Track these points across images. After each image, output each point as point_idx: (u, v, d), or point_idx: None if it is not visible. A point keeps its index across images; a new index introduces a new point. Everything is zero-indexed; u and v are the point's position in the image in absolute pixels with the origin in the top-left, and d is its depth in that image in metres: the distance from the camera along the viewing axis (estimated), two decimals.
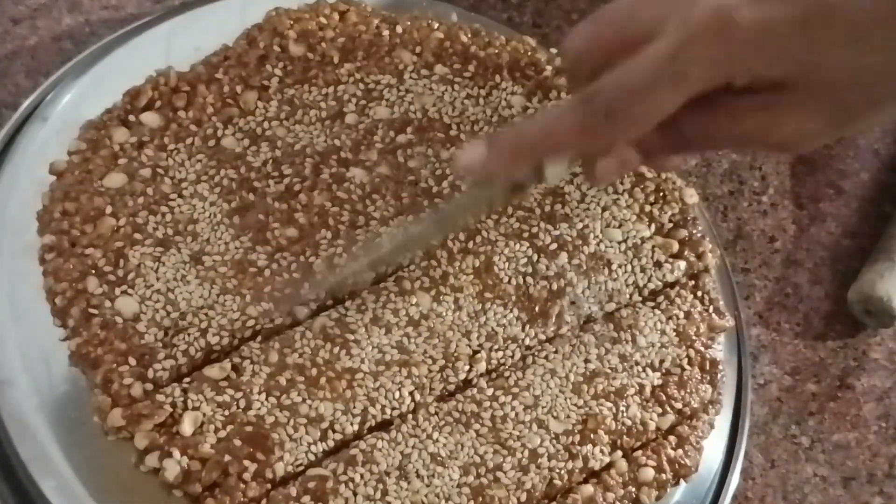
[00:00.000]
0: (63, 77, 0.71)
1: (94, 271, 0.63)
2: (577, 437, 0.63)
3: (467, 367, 0.64)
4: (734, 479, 0.69)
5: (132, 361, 0.61)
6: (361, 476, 0.60)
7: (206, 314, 0.62)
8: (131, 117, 0.67)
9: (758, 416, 0.74)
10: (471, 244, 0.67)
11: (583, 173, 0.69)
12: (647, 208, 0.71)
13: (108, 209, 0.64)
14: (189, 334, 0.62)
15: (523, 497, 0.61)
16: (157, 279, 0.63)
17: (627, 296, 0.68)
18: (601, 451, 0.63)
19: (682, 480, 0.65)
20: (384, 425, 0.62)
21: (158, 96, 0.68)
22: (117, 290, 0.62)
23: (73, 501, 0.59)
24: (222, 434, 0.59)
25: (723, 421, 0.68)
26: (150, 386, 0.60)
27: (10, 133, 0.69)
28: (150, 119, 0.68)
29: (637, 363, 0.66)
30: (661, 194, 0.71)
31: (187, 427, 0.59)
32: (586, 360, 0.66)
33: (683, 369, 0.67)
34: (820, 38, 0.50)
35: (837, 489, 0.73)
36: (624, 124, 0.53)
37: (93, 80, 0.70)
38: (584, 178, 0.70)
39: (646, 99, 0.52)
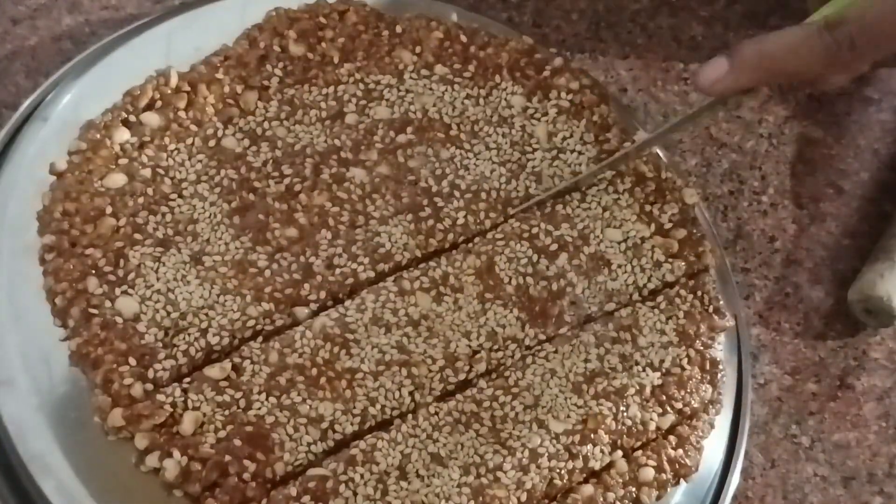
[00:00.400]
0: (63, 77, 0.71)
1: (94, 271, 0.63)
2: (578, 437, 0.63)
3: (467, 368, 0.64)
4: (734, 479, 0.69)
5: (132, 361, 0.61)
6: (361, 476, 0.60)
7: (206, 314, 0.62)
8: (131, 117, 0.67)
9: (758, 415, 0.74)
10: (472, 244, 0.67)
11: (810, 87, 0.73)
12: (648, 208, 0.71)
13: (109, 209, 0.64)
14: (189, 334, 0.62)
15: (523, 497, 0.61)
16: (158, 279, 0.63)
17: (627, 296, 0.68)
18: (601, 450, 0.63)
19: (682, 480, 0.65)
20: (384, 425, 0.62)
21: (159, 96, 0.68)
22: (117, 291, 0.62)
23: (74, 501, 0.59)
24: (222, 434, 0.59)
25: (723, 420, 0.68)
26: (150, 386, 0.60)
27: (10, 133, 0.69)
28: (151, 119, 0.68)
29: (637, 363, 0.66)
30: (662, 194, 0.71)
31: (187, 427, 0.60)
32: (586, 360, 0.66)
33: (683, 369, 0.67)
34: None
35: (837, 489, 0.73)
36: (866, 56, 0.58)
37: (93, 80, 0.70)
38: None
39: (886, 35, 0.56)
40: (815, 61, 0.60)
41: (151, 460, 0.59)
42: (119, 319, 0.62)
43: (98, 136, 0.66)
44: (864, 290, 0.77)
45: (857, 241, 0.82)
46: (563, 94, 0.73)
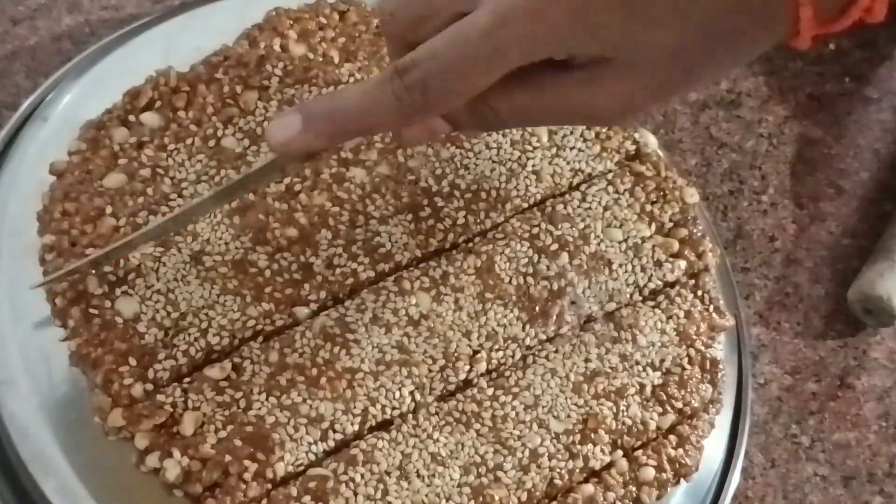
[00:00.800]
0: (63, 77, 0.71)
1: (94, 271, 0.63)
2: (578, 437, 0.63)
3: (468, 367, 0.64)
4: (735, 479, 0.69)
5: (132, 362, 0.61)
6: (362, 476, 0.60)
7: (206, 314, 0.62)
8: (131, 117, 0.67)
9: (758, 415, 0.74)
10: (472, 244, 0.67)
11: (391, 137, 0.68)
12: (648, 208, 0.71)
13: (109, 209, 0.64)
14: (189, 334, 0.62)
15: (524, 497, 0.61)
16: (158, 279, 0.63)
17: (628, 295, 0.68)
18: (602, 450, 0.63)
19: (682, 480, 0.65)
20: (384, 425, 0.62)
21: (158, 96, 0.68)
22: (118, 291, 0.62)
23: (74, 501, 0.59)
24: (223, 434, 0.59)
25: (723, 420, 0.69)
26: (150, 386, 0.60)
27: (10, 133, 0.69)
28: (150, 119, 0.68)
29: (637, 363, 0.66)
30: (662, 193, 0.71)
31: (188, 427, 0.59)
32: (587, 360, 0.66)
33: (684, 369, 0.67)
34: (638, 16, 0.49)
35: (838, 488, 0.73)
36: (438, 101, 0.52)
37: (93, 80, 0.70)
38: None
39: (462, 76, 0.51)
40: (386, 114, 0.53)
41: (151, 460, 0.59)
42: (119, 320, 0.62)
43: (98, 136, 0.66)
44: (864, 289, 0.77)
45: (857, 241, 0.82)
46: None
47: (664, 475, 0.64)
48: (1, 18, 0.77)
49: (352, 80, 0.71)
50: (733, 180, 0.81)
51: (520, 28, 0.50)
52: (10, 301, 0.63)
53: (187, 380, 0.61)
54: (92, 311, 0.62)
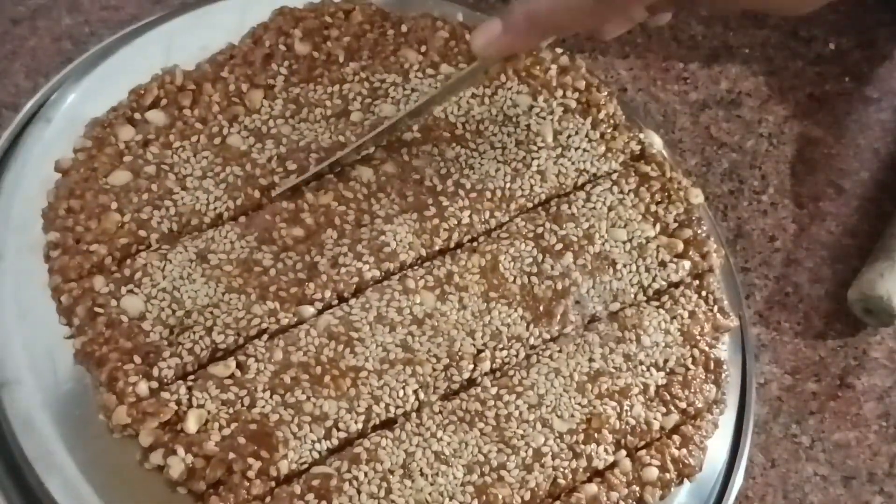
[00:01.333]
0: (65, 78, 0.71)
1: (100, 270, 0.63)
2: (581, 437, 0.63)
3: (471, 366, 0.64)
4: (738, 479, 0.69)
5: (137, 360, 0.61)
6: (365, 474, 0.60)
7: (211, 313, 0.63)
8: (137, 115, 0.68)
9: (758, 415, 0.74)
10: (476, 244, 0.68)
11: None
12: (653, 208, 0.71)
13: (114, 205, 0.64)
14: (194, 332, 0.62)
15: (527, 496, 0.61)
16: (164, 277, 0.63)
17: (632, 295, 0.68)
18: (605, 450, 0.64)
19: (686, 480, 0.65)
20: (388, 424, 0.62)
21: (164, 94, 0.68)
22: (123, 289, 0.62)
23: (78, 499, 0.59)
24: (227, 432, 0.60)
25: (727, 420, 0.69)
26: (155, 384, 0.61)
27: (14, 134, 0.69)
28: (156, 117, 0.68)
29: (641, 363, 0.66)
30: (667, 194, 0.71)
31: (192, 425, 0.60)
32: (590, 360, 0.66)
33: (688, 369, 0.67)
34: None
35: (838, 488, 0.74)
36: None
37: (97, 79, 0.70)
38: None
39: None
40: (585, 17, 0.59)
41: (155, 458, 0.59)
42: (124, 318, 0.62)
43: (103, 133, 0.66)
44: (864, 289, 0.77)
45: (857, 241, 0.82)
46: (568, 93, 0.73)
47: (668, 475, 0.64)
48: (1, 18, 0.77)
49: (357, 78, 0.71)
50: (733, 180, 0.81)
51: None
52: (15, 299, 0.63)
53: (192, 377, 0.61)
54: (97, 309, 0.62)
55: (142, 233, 0.64)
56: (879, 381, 0.78)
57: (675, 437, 0.65)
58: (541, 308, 0.66)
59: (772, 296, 0.79)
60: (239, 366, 0.62)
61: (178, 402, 0.60)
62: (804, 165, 0.84)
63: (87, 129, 0.67)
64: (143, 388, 0.60)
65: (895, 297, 0.76)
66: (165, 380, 0.61)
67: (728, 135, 0.84)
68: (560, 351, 0.66)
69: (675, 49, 0.85)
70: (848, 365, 0.78)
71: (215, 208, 0.66)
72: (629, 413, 0.65)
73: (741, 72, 0.86)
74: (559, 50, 0.75)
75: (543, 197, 0.70)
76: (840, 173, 0.84)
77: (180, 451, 0.59)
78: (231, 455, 0.59)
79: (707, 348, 0.68)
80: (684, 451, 0.65)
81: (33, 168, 0.66)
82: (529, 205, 0.70)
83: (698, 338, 0.68)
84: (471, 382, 0.64)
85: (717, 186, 0.82)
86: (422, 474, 0.61)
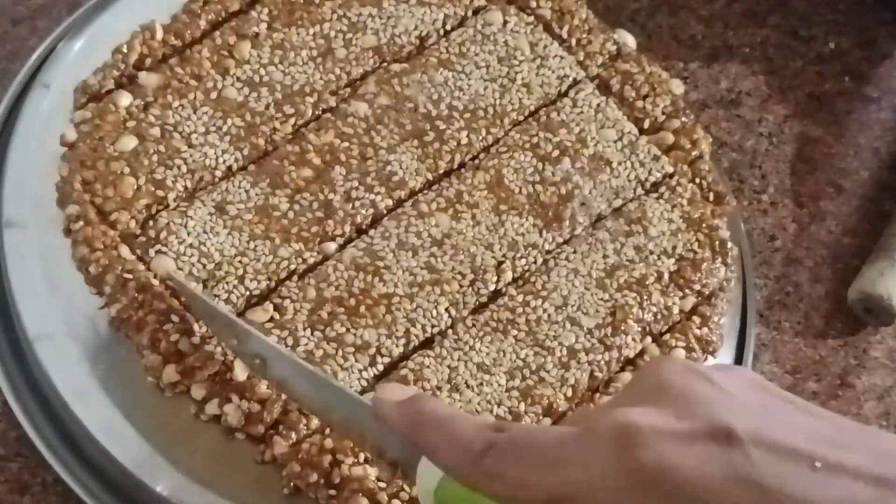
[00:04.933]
0: (58, 39, 0.72)
1: (123, 236, 0.64)
2: (609, 329, 0.66)
3: (495, 278, 0.66)
4: None
5: (175, 318, 0.62)
6: None
7: (240, 261, 0.64)
8: (129, 78, 0.68)
9: None
10: (478, 161, 0.69)
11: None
12: (639, 104, 0.73)
13: (126, 171, 0.65)
14: (227, 283, 0.63)
15: (569, 392, 0.64)
16: (188, 234, 0.64)
17: (632, 191, 0.71)
18: (633, 339, 0.66)
19: (710, 357, 0.68)
20: (427, 343, 0.64)
21: (148, 52, 0.69)
22: (152, 251, 0.63)
23: (141, 461, 0.60)
24: None
25: None
26: (197, 339, 0.62)
27: (11, 102, 0.70)
28: (150, 80, 0.68)
29: (651, 252, 0.69)
30: (652, 88, 0.73)
31: (240, 373, 0.61)
32: (605, 256, 0.68)
33: (695, 253, 0.69)
34: None
35: None
36: (501, 488, 0.46)
37: (89, 40, 0.70)
38: None
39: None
40: (461, 464, 0.48)
41: (211, 408, 0.60)
42: (155, 280, 0.63)
43: (102, 105, 0.67)
44: (865, 288, 0.75)
45: (857, 240, 0.81)
46: (542, 3, 0.75)
47: (694, 354, 0.67)
48: (1, 19, 0.75)
49: (335, 16, 0.72)
50: (733, 179, 0.80)
51: None
52: (45, 272, 0.63)
53: None
54: (127, 275, 0.62)
55: (159, 193, 0.65)
56: (880, 381, 0.76)
57: (695, 318, 0.68)
58: (550, 213, 0.68)
59: (772, 295, 0.78)
60: (276, 308, 0.63)
61: (224, 353, 0.61)
62: (804, 165, 0.83)
63: (77, 94, 0.68)
64: (185, 344, 0.61)
65: (895, 296, 0.75)
66: (207, 334, 0.62)
67: (728, 134, 0.83)
68: (574, 252, 0.68)
69: (675, 49, 0.84)
70: (848, 364, 0.77)
71: (225, 161, 0.67)
72: (649, 301, 0.67)
73: (741, 71, 0.85)
74: None
75: (533, 108, 0.72)
76: (840, 173, 0.83)
77: (235, 398, 0.60)
78: (284, 395, 0.60)
79: (710, 231, 0.70)
80: (706, 329, 0.68)
81: (38, 140, 0.67)
82: (521, 117, 0.72)
83: (700, 222, 0.70)
84: (497, 294, 0.66)
85: (721, 181, 0.79)
86: (468, 386, 0.63)
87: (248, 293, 0.63)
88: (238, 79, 0.69)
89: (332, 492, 0.59)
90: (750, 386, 0.46)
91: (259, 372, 0.60)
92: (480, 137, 0.70)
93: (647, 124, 0.73)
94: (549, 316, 0.66)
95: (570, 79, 0.73)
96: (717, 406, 0.43)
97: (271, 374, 0.59)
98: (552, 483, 0.44)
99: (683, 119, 0.73)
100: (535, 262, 0.67)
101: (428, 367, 0.63)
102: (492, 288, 0.66)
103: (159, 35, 0.69)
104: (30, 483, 0.63)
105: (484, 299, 0.66)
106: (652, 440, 0.42)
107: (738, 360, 0.72)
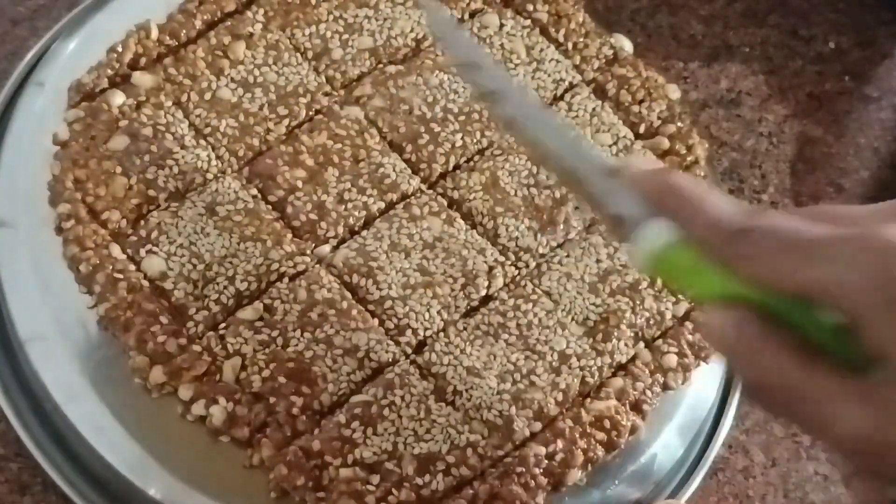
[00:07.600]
0: (54, 38, 0.72)
1: (115, 235, 0.63)
2: (601, 335, 0.66)
3: (487, 283, 0.66)
4: (727, 424, 0.70)
5: (164, 320, 0.62)
6: (402, 398, 0.62)
7: (230, 262, 0.64)
8: (122, 78, 0.68)
9: (759, 414, 0.73)
10: (473, 163, 0.69)
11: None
12: (635, 108, 0.73)
13: (118, 170, 0.65)
14: (218, 284, 0.63)
15: (559, 397, 0.64)
16: (179, 234, 0.64)
17: None
18: (625, 344, 0.66)
19: (703, 362, 0.67)
20: (419, 347, 0.64)
21: (143, 51, 0.69)
22: (142, 251, 0.63)
23: (128, 459, 0.60)
24: (266, 373, 0.61)
25: (717, 372, 0.69)
26: (184, 340, 0.61)
27: (7, 99, 0.69)
28: (143, 80, 0.68)
29: None
30: (648, 93, 0.73)
31: (229, 374, 0.61)
32: (598, 261, 0.68)
33: None
34: None
35: (839, 487, 0.73)
36: (754, 270, 0.45)
37: (84, 39, 0.70)
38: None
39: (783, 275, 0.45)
40: (715, 231, 0.47)
41: (197, 408, 0.60)
42: (145, 282, 0.63)
43: (95, 104, 0.67)
44: None
45: None
46: (538, 7, 0.75)
47: (686, 360, 0.67)
48: (1, 19, 0.75)
49: (331, 17, 0.72)
50: (733, 179, 0.80)
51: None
52: (35, 271, 0.63)
53: (223, 326, 0.62)
54: (117, 275, 0.62)
55: (151, 192, 0.65)
56: None
57: (688, 324, 0.68)
58: (544, 217, 0.68)
59: None
60: (266, 308, 0.63)
61: (212, 354, 0.61)
62: (804, 164, 0.83)
63: (71, 92, 0.68)
64: (172, 345, 0.61)
65: None
66: (196, 334, 0.62)
67: (728, 134, 0.82)
68: (568, 256, 0.68)
69: (675, 48, 0.84)
70: None
71: (217, 163, 0.67)
72: (642, 306, 0.67)
73: (741, 71, 0.85)
74: None
75: None
76: (840, 172, 0.83)
77: (221, 400, 0.60)
78: (272, 398, 0.60)
79: None
80: (698, 335, 0.67)
81: (31, 139, 0.67)
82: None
83: None
84: (488, 297, 0.66)
85: (717, 185, 0.79)
86: (455, 392, 0.63)
87: (238, 293, 0.63)
88: (232, 79, 0.69)
89: (321, 494, 0.59)
90: None
91: (490, 109, 0.59)
92: (475, 140, 0.70)
93: (642, 129, 0.73)
94: (540, 320, 0.65)
95: (566, 83, 0.73)
96: None
97: (502, 111, 0.56)
98: (808, 277, 0.44)
99: (679, 124, 0.73)
100: (526, 266, 0.67)
101: (416, 372, 0.63)
102: (483, 293, 0.66)
103: (154, 34, 0.69)
104: (30, 483, 0.63)
105: (475, 303, 0.66)
106: None
107: None
